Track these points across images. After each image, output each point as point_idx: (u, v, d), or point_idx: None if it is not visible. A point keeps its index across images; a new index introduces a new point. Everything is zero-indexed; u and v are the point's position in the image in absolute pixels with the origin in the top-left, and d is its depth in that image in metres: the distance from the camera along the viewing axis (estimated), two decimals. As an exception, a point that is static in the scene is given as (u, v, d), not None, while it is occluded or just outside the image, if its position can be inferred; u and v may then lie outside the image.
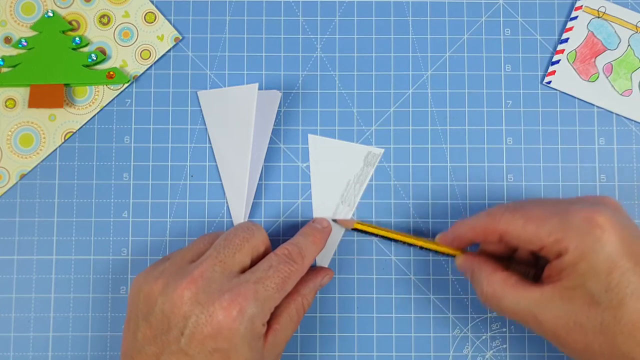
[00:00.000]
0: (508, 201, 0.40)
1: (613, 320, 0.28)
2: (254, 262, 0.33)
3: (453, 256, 0.36)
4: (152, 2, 0.41)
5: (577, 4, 0.41)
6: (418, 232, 0.40)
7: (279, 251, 0.33)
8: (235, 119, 0.38)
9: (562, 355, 0.39)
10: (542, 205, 0.32)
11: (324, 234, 0.37)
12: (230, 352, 0.30)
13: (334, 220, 0.39)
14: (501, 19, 0.41)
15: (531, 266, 0.34)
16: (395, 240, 0.38)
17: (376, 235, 0.38)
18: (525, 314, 0.31)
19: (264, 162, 0.40)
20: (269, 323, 0.32)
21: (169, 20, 0.41)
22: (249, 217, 0.40)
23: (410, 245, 0.38)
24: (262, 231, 0.34)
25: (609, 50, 0.41)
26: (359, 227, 0.38)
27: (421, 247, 0.37)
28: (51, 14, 0.41)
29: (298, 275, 0.33)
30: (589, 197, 0.34)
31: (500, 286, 0.32)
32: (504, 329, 0.39)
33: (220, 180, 0.40)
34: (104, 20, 0.41)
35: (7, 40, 0.41)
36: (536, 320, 0.30)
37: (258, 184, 0.40)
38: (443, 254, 0.37)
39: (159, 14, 0.41)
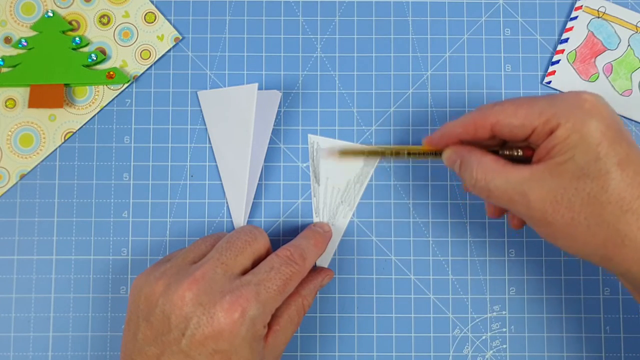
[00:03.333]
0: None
1: (600, 190, 0.28)
2: (255, 265, 0.33)
3: (439, 157, 0.35)
4: (152, 2, 0.41)
5: (577, 4, 0.41)
6: (418, 233, 0.40)
7: (280, 253, 0.33)
8: (235, 119, 0.38)
9: (562, 355, 0.39)
10: (531, 96, 0.32)
11: (325, 237, 0.37)
12: (231, 353, 0.30)
13: (321, 150, 0.39)
14: (501, 19, 0.41)
15: (519, 148, 0.34)
16: (382, 152, 0.37)
17: (362, 154, 0.38)
18: (514, 193, 0.30)
19: (264, 162, 0.40)
20: (270, 324, 0.32)
21: (169, 20, 0.41)
22: (249, 217, 0.40)
23: (397, 153, 0.36)
24: (264, 235, 0.34)
25: (609, 50, 0.41)
26: (344, 152, 0.38)
27: (409, 153, 0.36)
28: (51, 14, 0.41)
29: (299, 277, 0.33)
30: None
31: (491, 167, 0.31)
32: (504, 329, 0.39)
33: (220, 180, 0.40)
34: (104, 20, 0.41)
35: (7, 40, 0.41)
36: (524, 198, 0.30)
37: (258, 184, 0.40)
38: (430, 155, 0.36)
39: (159, 14, 0.41)
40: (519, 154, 0.33)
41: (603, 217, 0.29)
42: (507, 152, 0.33)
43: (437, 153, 0.35)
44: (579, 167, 0.29)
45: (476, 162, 0.32)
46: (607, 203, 0.28)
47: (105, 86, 0.41)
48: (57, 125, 0.40)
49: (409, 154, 0.36)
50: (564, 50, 0.41)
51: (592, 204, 0.29)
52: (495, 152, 0.33)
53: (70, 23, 0.41)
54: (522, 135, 0.31)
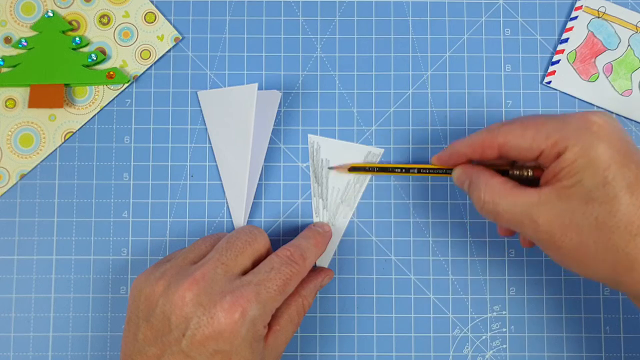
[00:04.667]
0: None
1: (608, 215, 0.28)
2: (255, 265, 0.33)
3: (449, 174, 0.36)
4: (152, 2, 0.41)
5: (577, 4, 0.41)
6: (418, 233, 0.40)
7: (280, 253, 0.33)
8: (235, 119, 0.38)
9: (562, 355, 0.39)
10: (538, 116, 0.32)
11: (325, 237, 0.37)
12: (232, 353, 0.30)
13: (330, 168, 0.40)
14: (501, 19, 0.41)
15: (529, 168, 0.34)
16: (392, 169, 0.38)
17: (372, 169, 0.38)
18: (522, 216, 0.30)
19: (264, 162, 0.40)
20: (270, 324, 0.32)
21: (169, 20, 0.41)
22: (249, 217, 0.40)
23: (407, 170, 0.38)
24: (265, 235, 0.34)
25: (609, 50, 0.41)
26: (354, 166, 0.39)
27: (419, 171, 0.37)
28: (51, 14, 0.41)
29: (299, 277, 0.33)
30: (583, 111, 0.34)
31: (498, 190, 0.32)
32: (504, 329, 0.39)
33: (220, 180, 0.40)
34: (104, 20, 0.41)
35: (7, 40, 0.41)
36: (532, 222, 0.30)
37: (258, 184, 0.40)
38: (440, 172, 0.37)
39: (159, 14, 0.41)
40: (529, 174, 0.33)
41: (612, 242, 0.28)
42: (517, 172, 0.33)
43: (447, 171, 0.36)
44: (587, 191, 0.29)
45: (484, 184, 0.32)
46: (616, 228, 0.28)
47: (105, 86, 0.41)
48: (57, 125, 0.40)
49: (419, 171, 0.37)
50: (564, 50, 0.41)
51: (600, 229, 0.28)
52: (505, 172, 0.33)
53: (70, 23, 0.41)
54: (530, 156, 0.31)
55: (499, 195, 0.31)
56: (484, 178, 0.33)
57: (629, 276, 0.29)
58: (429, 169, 0.37)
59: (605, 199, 0.28)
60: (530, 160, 0.32)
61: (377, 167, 0.39)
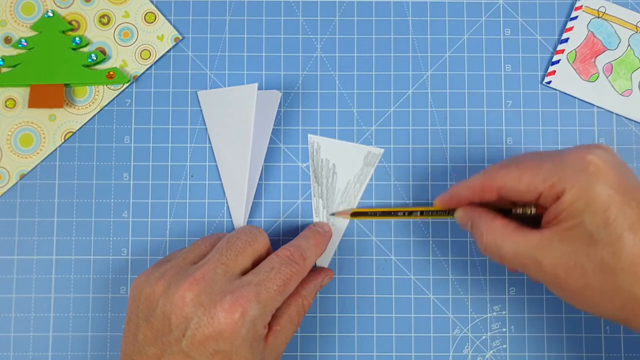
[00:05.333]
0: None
1: (612, 257, 0.28)
2: (255, 265, 0.33)
3: (452, 216, 0.36)
4: (152, 2, 0.41)
5: (577, 4, 0.41)
6: (418, 233, 0.40)
7: (280, 252, 0.33)
8: (235, 119, 0.38)
9: (562, 355, 0.39)
10: (535, 155, 0.32)
11: (325, 237, 0.37)
12: (232, 354, 0.30)
13: (332, 214, 0.39)
14: (501, 19, 0.41)
15: (530, 207, 0.34)
16: (395, 213, 0.38)
17: (375, 214, 0.38)
18: (525, 258, 0.30)
19: (264, 162, 0.40)
20: (270, 324, 0.32)
21: (169, 20, 0.41)
22: (249, 217, 0.40)
23: (409, 214, 0.38)
24: (265, 235, 0.34)
25: (609, 50, 0.41)
26: (357, 211, 0.39)
27: (421, 213, 0.37)
28: (51, 14, 0.41)
29: (299, 277, 0.33)
30: (580, 145, 0.34)
31: (500, 233, 0.31)
32: (504, 329, 0.39)
33: (220, 180, 0.40)
34: (104, 20, 0.41)
35: (7, 40, 0.41)
36: (536, 263, 0.30)
37: (258, 184, 0.40)
38: (442, 214, 0.37)
39: (159, 14, 0.41)
40: (532, 212, 0.33)
41: (618, 284, 0.28)
42: (520, 211, 0.33)
43: (450, 212, 0.36)
44: (589, 233, 0.28)
45: (485, 227, 0.32)
46: (621, 270, 0.28)
47: (105, 86, 0.41)
48: (57, 125, 0.40)
49: (421, 213, 0.38)
50: (564, 50, 0.41)
51: (605, 271, 0.28)
52: (508, 211, 0.33)
53: (70, 23, 0.41)
54: (529, 198, 0.31)
55: (501, 238, 0.31)
56: (485, 220, 0.33)
57: (636, 315, 0.28)
58: (432, 211, 0.37)
59: (608, 241, 0.28)
60: (530, 202, 0.32)
61: (379, 212, 0.39)
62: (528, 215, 0.33)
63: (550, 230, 0.30)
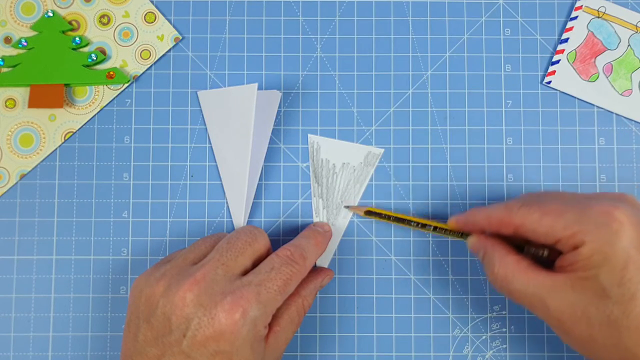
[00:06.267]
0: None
1: (622, 314, 0.28)
2: (255, 265, 0.33)
3: (464, 238, 0.36)
4: (152, 2, 0.41)
5: (577, 4, 0.41)
6: (418, 233, 0.40)
7: (280, 252, 0.33)
8: (235, 119, 0.38)
9: (562, 355, 0.39)
10: (559, 199, 0.32)
11: (325, 237, 0.37)
12: (232, 354, 0.30)
13: (346, 207, 0.40)
14: (501, 19, 0.41)
15: (545, 247, 0.34)
16: (409, 222, 0.38)
17: (389, 217, 0.38)
18: (534, 299, 0.31)
19: (264, 162, 0.40)
20: (270, 325, 0.32)
21: (169, 20, 0.41)
22: (249, 217, 0.40)
23: (423, 226, 0.38)
24: (265, 235, 0.34)
25: (609, 50, 0.41)
26: (372, 210, 0.39)
27: (435, 228, 0.37)
28: (51, 14, 0.41)
29: (300, 277, 0.33)
30: (607, 193, 0.33)
31: (512, 269, 0.32)
32: (504, 329, 0.39)
33: (220, 180, 0.40)
34: (104, 20, 0.41)
35: (7, 40, 0.41)
36: (544, 306, 0.30)
37: (258, 184, 0.40)
38: (455, 235, 0.37)
39: (159, 14, 0.41)
40: (545, 254, 0.33)
41: (622, 340, 0.28)
42: (532, 251, 0.33)
43: (463, 235, 0.36)
44: (602, 287, 0.29)
45: (498, 260, 0.32)
46: (627, 328, 0.28)
47: (105, 86, 0.41)
48: (57, 125, 0.40)
49: (434, 229, 0.37)
50: (564, 50, 0.41)
51: (612, 326, 0.28)
52: (520, 247, 0.33)
53: (70, 23, 0.41)
54: (545, 242, 0.31)
55: (513, 274, 0.31)
56: (498, 253, 0.33)
57: None
58: (445, 229, 0.37)
59: (620, 299, 0.28)
60: (545, 245, 0.32)
61: (393, 216, 0.38)
62: (540, 256, 0.33)
63: (563, 275, 0.30)
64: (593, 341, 0.29)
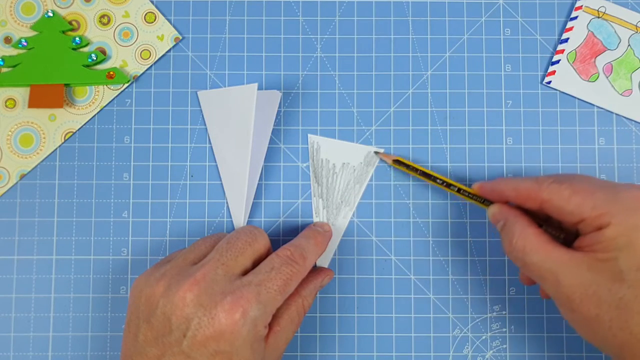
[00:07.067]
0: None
1: (634, 298, 0.28)
2: (255, 265, 0.33)
3: (486, 205, 0.36)
4: (152, 2, 0.41)
5: (577, 4, 0.41)
6: (418, 233, 0.40)
7: (280, 252, 0.33)
8: (235, 119, 0.38)
9: (562, 355, 0.39)
10: (591, 181, 0.32)
11: (325, 237, 0.37)
12: (232, 354, 0.30)
13: (375, 153, 0.40)
14: (501, 19, 0.41)
15: (562, 231, 0.34)
16: (434, 179, 0.38)
17: (415, 170, 0.38)
18: (548, 273, 0.31)
19: (264, 162, 0.40)
20: (270, 325, 0.32)
21: (169, 20, 0.41)
22: (249, 217, 0.40)
23: (448, 185, 0.37)
24: (265, 235, 0.34)
25: (609, 50, 0.41)
26: (400, 160, 0.38)
27: (458, 190, 0.37)
28: (51, 14, 0.41)
29: (300, 277, 0.33)
30: (636, 184, 0.33)
31: (531, 241, 0.32)
32: (504, 329, 0.39)
33: (220, 180, 0.40)
34: (104, 20, 0.41)
35: (7, 40, 0.41)
36: (556, 280, 0.30)
37: (258, 184, 0.40)
38: (477, 201, 0.37)
39: (159, 14, 0.41)
40: (561, 237, 0.33)
41: (628, 324, 0.28)
42: (550, 231, 0.33)
43: (485, 202, 0.36)
44: (619, 270, 0.29)
45: (520, 231, 0.32)
46: (636, 312, 0.28)
47: (105, 86, 0.41)
48: (57, 125, 0.40)
49: (458, 191, 0.37)
50: (564, 50, 0.41)
51: (621, 309, 0.28)
52: (539, 225, 0.33)
53: (70, 23, 0.41)
54: (570, 220, 0.31)
55: (531, 247, 0.31)
56: (519, 225, 0.33)
57: (634, 357, 0.29)
58: (469, 193, 0.37)
59: (635, 284, 0.28)
60: (570, 224, 0.32)
61: (420, 170, 0.38)
62: (556, 237, 0.33)
63: (581, 255, 0.30)
64: (598, 322, 0.29)
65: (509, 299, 0.39)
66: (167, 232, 0.40)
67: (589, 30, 0.41)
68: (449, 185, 0.38)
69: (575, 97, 0.41)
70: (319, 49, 0.41)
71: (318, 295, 0.39)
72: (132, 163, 0.40)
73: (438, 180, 0.38)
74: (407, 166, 0.39)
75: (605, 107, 0.40)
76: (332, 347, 0.39)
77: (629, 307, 0.28)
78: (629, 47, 0.41)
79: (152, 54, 0.41)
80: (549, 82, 0.41)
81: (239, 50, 0.41)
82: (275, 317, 0.33)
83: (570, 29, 0.41)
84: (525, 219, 0.33)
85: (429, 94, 0.41)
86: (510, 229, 0.33)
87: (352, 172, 0.40)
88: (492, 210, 0.35)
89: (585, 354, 0.39)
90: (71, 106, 0.41)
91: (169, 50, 0.41)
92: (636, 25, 0.41)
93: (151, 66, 0.41)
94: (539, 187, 0.32)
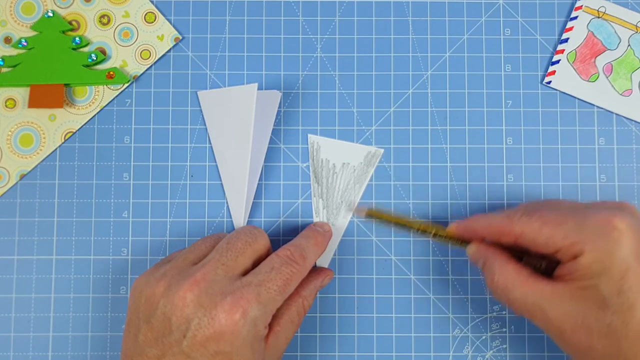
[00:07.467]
0: (508, 201, 0.40)
1: (621, 324, 0.28)
2: (255, 265, 0.33)
3: (464, 246, 0.36)
4: (152, 2, 0.41)
5: (577, 4, 0.41)
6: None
7: (280, 252, 0.33)
8: (235, 119, 0.38)
9: (562, 355, 0.39)
10: (559, 209, 0.32)
11: (325, 237, 0.37)
12: (233, 354, 0.30)
13: (350, 210, 0.39)
14: (501, 19, 0.41)
15: (543, 259, 0.34)
16: (409, 227, 0.37)
17: (389, 221, 0.38)
18: (533, 308, 0.31)
19: (264, 162, 0.40)
20: (270, 325, 0.32)
21: (169, 20, 0.41)
22: (249, 217, 0.40)
23: (423, 232, 0.37)
24: (265, 235, 0.34)
25: (609, 50, 0.41)
26: (372, 213, 0.38)
27: (435, 235, 0.37)
28: (51, 14, 0.41)
29: (300, 277, 0.33)
30: (607, 202, 0.34)
31: (512, 278, 0.32)
32: (504, 329, 0.39)
33: (220, 180, 0.40)
34: (104, 20, 0.41)
35: (7, 40, 0.41)
36: (543, 315, 0.30)
37: (258, 184, 0.40)
38: (455, 243, 0.36)
39: (159, 14, 0.41)
40: (542, 266, 0.33)
41: (621, 350, 0.28)
42: (531, 262, 0.33)
43: (463, 243, 0.36)
44: (602, 297, 0.29)
45: (498, 269, 0.32)
46: (625, 337, 0.28)
47: (105, 86, 0.41)
48: (57, 125, 0.40)
49: (434, 235, 0.37)
50: (564, 50, 0.41)
51: (611, 336, 0.28)
52: (519, 256, 0.33)
53: (70, 23, 0.41)
54: (545, 251, 0.31)
55: (513, 283, 0.31)
56: (499, 262, 0.33)
57: None
58: (446, 236, 0.36)
59: (619, 308, 0.28)
60: (545, 254, 0.32)
61: (394, 220, 0.38)
62: (538, 268, 0.33)
63: (562, 285, 0.30)
64: (592, 351, 0.29)
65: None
66: (167, 232, 0.40)
67: (589, 30, 0.41)
68: (424, 231, 0.37)
69: (575, 97, 0.41)
70: (319, 49, 0.41)
71: (318, 295, 0.39)
72: (132, 163, 0.40)
73: (413, 230, 0.37)
74: (381, 218, 0.38)
75: (605, 107, 0.40)
76: (332, 347, 0.39)
77: (617, 332, 0.28)
78: (629, 47, 0.41)
79: (152, 54, 0.41)
80: (549, 82, 0.41)
81: (239, 50, 0.41)
82: (275, 317, 0.33)
83: (570, 29, 0.41)
84: (504, 255, 0.33)
85: (429, 94, 0.41)
86: (490, 268, 0.33)
87: (352, 172, 0.40)
88: (471, 250, 0.35)
89: (585, 354, 0.39)
90: (71, 106, 0.41)
91: (169, 50, 0.41)
92: (636, 25, 0.41)
93: (151, 66, 0.41)
94: (510, 221, 0.32)
